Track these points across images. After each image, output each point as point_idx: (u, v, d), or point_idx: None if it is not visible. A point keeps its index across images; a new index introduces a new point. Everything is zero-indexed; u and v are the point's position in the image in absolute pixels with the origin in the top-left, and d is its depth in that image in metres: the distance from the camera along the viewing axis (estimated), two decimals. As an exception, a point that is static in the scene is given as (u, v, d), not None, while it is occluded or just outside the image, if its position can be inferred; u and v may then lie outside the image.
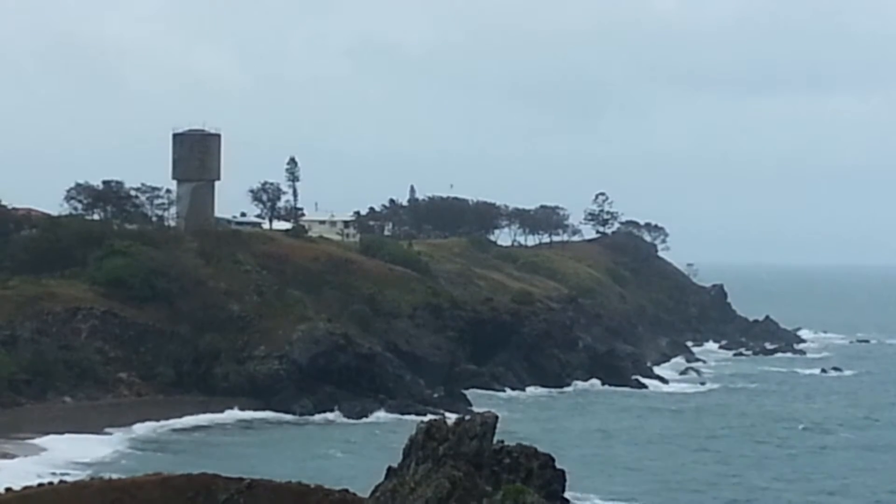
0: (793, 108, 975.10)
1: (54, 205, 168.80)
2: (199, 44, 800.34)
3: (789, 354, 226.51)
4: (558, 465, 53.51)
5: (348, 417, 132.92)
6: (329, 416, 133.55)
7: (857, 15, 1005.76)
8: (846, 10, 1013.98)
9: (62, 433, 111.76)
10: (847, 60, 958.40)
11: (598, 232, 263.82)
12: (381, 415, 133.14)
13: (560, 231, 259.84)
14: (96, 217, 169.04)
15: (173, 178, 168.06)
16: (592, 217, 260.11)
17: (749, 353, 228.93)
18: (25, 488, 54.66)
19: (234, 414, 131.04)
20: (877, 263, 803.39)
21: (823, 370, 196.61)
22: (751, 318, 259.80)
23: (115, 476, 56.02)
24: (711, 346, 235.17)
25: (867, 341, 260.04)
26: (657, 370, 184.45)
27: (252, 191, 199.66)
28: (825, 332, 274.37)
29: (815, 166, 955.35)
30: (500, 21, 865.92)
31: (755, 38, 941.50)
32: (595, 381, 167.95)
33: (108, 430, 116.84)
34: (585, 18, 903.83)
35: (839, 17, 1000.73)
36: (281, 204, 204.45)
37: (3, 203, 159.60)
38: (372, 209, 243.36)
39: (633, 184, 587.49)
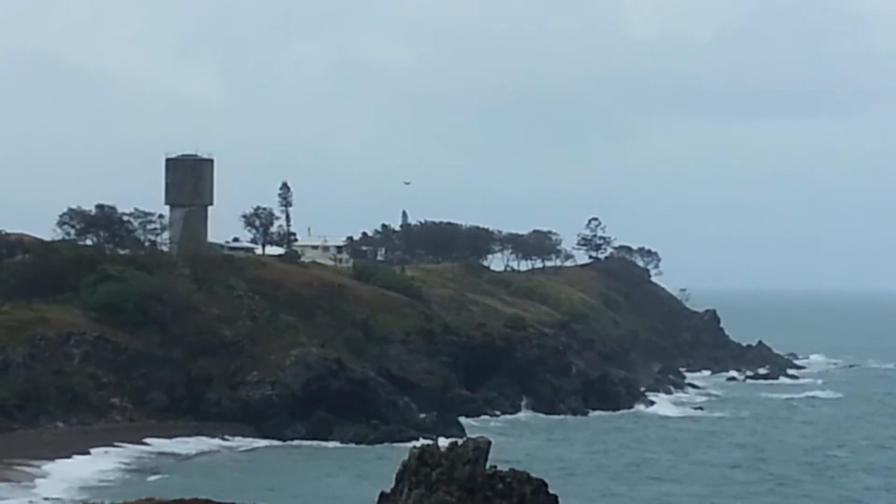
0: (779, 130, 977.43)
1: (47, 230, 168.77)
2: (183, 67, 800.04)
3: (782, 379, 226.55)
4: (551, 491, 53.45)
5: (341, 443, 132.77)
6: (322, 441, 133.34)
7: (840, 37, 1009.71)
8: (829, 31, 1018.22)
9: (55, 458, 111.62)
10: (833, 81, 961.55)
11: (590, 257, 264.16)
12: (373, 440, 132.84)
13: (553, 256, 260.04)
14: (89, 242, 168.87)
15: (166, 203, 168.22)
16: (585, 242, 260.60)
17: (742, 378, 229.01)
18: (17, 514, 54.58)
19: (226, 439, 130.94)
20: (868, 288, 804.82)
21: (817, 395, 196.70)
22: (744, 343, 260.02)
23: (107, 501, 55.91)
24: (704, 371, 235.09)
25: (860, 366, 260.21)
26: (650, 395, 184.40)
27: (245, 216, 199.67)
28: (818, 356, 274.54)
29: (803, 188, 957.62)
30: (482, 42, 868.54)
31: (737, 59, 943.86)
32: (588, 407, 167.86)
33: (100, 455, 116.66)
34: (567, 40, 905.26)
35: (822, 39, 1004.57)
36: (273, 229, 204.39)
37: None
38: (365, 234, 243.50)
39: (624, 209, 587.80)
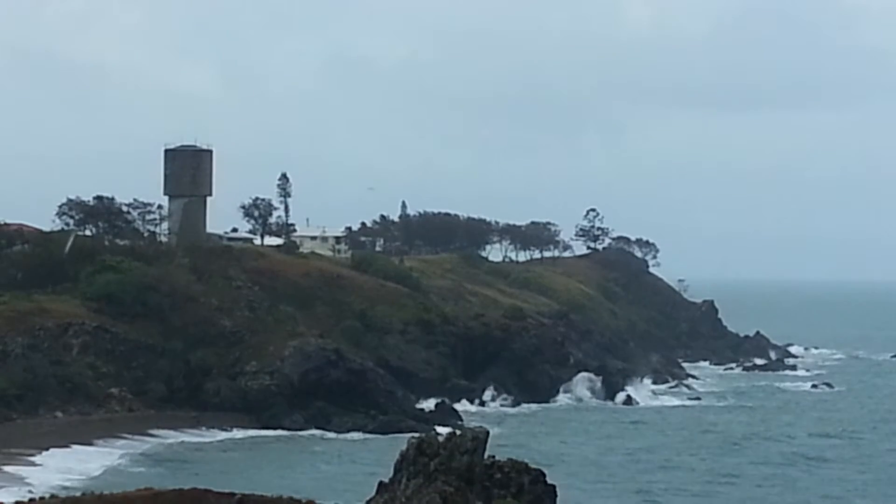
0: (773, 123, 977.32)
1: (46, 220, 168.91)
2: (180, 61, 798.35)
3: (780, 370, 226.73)
4: (549, 481, 53.76)
5: (339, 433, 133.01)
6: (320, 431, 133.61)
7: (833, 31, 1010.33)
8: (822, 26, 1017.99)
9: (53, 448, 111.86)
10: (826, 75, 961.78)
11: (588, 248, 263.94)
12: (372, 430, 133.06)
13: (551, 247, 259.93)
14: (88, 233, 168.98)
15: (165, 193, 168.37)
16: (583, 233, 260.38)
17: (740, 368, 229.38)
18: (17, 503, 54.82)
19: (225, 429, 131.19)
20: (864, 279, 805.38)
21: (814, 386, 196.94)
22: (741, 334, 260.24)
23: (106, 491, 56.07)
24: (702, 361, 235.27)
25: (857, 357, 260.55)
26: (648, 386, 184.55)
27: (243, 206, 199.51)
28: (816, 347, 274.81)
29: (797, 181, 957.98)
30: (478, 36, 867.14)
31: (731, 53, 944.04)
32: (586, 397, 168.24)
33: (99, 445, 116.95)
34: (562, 34, 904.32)
35: (815, 34, 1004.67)
36: (272, 220, 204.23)
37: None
38: (363, 225, 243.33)
39: (621, 200, 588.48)
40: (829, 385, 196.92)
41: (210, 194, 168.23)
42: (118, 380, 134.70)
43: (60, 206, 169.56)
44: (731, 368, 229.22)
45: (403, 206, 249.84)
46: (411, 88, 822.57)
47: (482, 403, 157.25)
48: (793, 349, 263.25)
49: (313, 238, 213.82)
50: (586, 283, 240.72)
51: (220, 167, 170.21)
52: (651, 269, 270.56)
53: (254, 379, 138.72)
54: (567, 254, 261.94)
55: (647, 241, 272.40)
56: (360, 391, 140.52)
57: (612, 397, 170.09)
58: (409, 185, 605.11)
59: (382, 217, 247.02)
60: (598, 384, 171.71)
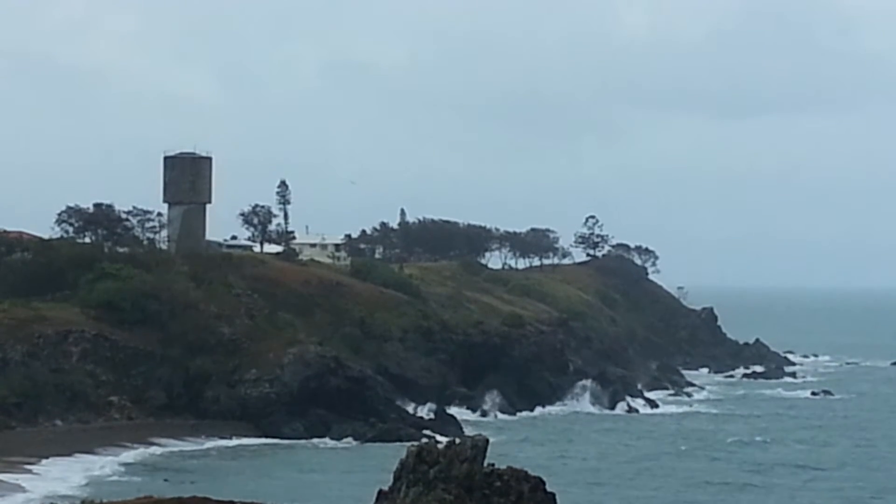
0: (772, 129, 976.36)
1: (45, 228, 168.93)
2: (179, 66, 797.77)
3: (779, 378, 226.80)
4: (548, 488, 53.68)
5: (339, 441, 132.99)
6: (319, 439, 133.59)
7: (831, 36, 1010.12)
8: (819, 30, 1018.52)
9: (53, 456, 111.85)
10: (825, 80, 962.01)
11: (588, 255, 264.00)
12: (371, 438, 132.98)
13: (550, 254, 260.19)
14: (87, 240, 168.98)
15: (164, 200, 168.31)
16: (583, 240, 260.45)
17: (739, 376, 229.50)
18: (17, 512, 54.80)
19: (224, 437, 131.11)
20: (860, 286, 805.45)
21: (814, 393, 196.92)
22: (741, 341, 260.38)
23: (105, 500, 56.07)
24: (702, 369, 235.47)
25: (857, 364, 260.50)
26: (647, 393, 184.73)
27: (243, 214, 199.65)
28: (815, 355, 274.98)
29: (796, 187, 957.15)
30: (477, 41, 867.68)
31: (729, 58, 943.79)
32: (585, 404, 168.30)
33: (98, 453, 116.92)
34: (560, 40, 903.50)
35: (813, 38, 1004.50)
36: (272, 227, 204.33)
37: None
38: (363, 232, 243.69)
39: (620, 207, 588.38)
40: (828, 392, 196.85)
41: (209, 202, 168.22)
42: (117, 387, 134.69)
43: (60, 214, 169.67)
44: (731, 376, 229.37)
45: (402, 213, 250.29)
46: (410, 93, 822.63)
47: (482, 411, 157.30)
48: (792, 357, 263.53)
49: (312, 245, 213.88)
50: (585, 290, 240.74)
51: (220, 174, 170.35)
52: (650, 277, 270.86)
53: (253, 387, 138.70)
54: (566, 261, 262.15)
55: (646, 249, 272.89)
56: (359, 399, 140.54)
57: (611, 405, 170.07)
58: (409, 191, 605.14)
59: (382, 224, 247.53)
60: (598, 391, 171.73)
